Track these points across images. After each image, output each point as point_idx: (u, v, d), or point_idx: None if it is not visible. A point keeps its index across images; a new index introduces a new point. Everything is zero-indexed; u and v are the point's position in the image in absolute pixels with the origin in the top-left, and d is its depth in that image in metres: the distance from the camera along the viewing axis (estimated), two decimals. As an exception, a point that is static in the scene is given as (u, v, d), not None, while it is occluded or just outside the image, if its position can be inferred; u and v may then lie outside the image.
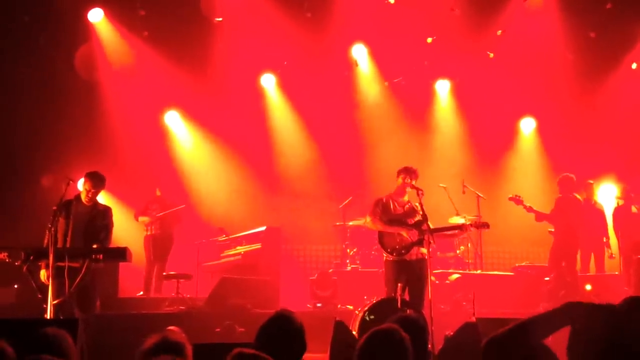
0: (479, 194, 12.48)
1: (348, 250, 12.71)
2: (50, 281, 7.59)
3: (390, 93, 15.21)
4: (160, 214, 13.02)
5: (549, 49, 14.38)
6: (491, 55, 14.37)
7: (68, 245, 8.41)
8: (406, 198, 9.36)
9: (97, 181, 8.78)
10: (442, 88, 15.34)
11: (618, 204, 12.69)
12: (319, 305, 11.51)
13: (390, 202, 9.34)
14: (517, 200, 11.87)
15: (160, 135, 14.83)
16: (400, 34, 14.19)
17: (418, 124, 15.27)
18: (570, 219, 11.97)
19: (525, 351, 3.37)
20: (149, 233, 13.08)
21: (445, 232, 9.57)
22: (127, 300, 11.98)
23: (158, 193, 13.40)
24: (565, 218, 11.93)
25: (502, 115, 14.98)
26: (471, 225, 9.71)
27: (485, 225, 9.44)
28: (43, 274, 8.01)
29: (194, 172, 14.93)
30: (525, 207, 11.88)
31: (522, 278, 12.40)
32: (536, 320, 3.35)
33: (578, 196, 12.28)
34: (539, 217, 12.09)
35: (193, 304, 11.44)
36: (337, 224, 13.01)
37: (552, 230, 12.28)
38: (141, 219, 13.12)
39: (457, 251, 12.38)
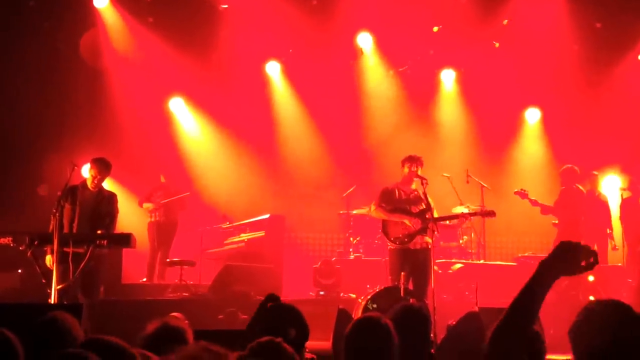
0: (483, 184, 12.47)
1: (351, 239, 12.70)
2: (55, 266, 7.62)
3: (396, 82, 15.17)
4: (165, 200, 13.02)
5: (554, 39, 14.31)
6: (497, 44, 14.33)
7: (74, 231, 8.44)
8: (413, 186, 9.37)
9: (103, 167, 8.81)
10: (448, 77, 15.27)
11: (622, 195, 12.67)
12: (322, 293, 11.52)
13: (396, 190, 9.35)
14: (523, 194, 11.88)
15: (165, 122, 14.82)
16: (406, 23, 14.13)
17: (423, 113, 15.23)
18: (574, 211, 11.98)
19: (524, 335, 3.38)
20: (153, 219, 13.09)
21: (449, 221, 9.56)
22: (130, 286, 12.01)
23: (162, 180, 13.40)
24: (568, 210, 11.94)
25: (507, 105, 14.94)
26: (477, 213, 9.70)
27: (492, 214, 9.43)
28: (48, 259, 8.04)
29: (198, 159, 14.92)
30: (530, 200, 11.90)
31: (525, 268, 12.35)
32: (523, 300, 3.28)
33: (581, 187, 12.28)
34: (545, 210, 12.10)
35: (196, 291, 11.48)
36: (341, 212, 13.00)
37: (556, 222, 12.28)
38: (145, 205, 13.12)
39: (460, 241, 12.37)
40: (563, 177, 12.29)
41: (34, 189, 12.77)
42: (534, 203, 11.95)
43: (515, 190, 12.01)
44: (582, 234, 12.16)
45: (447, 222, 9.64)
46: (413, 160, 9.28)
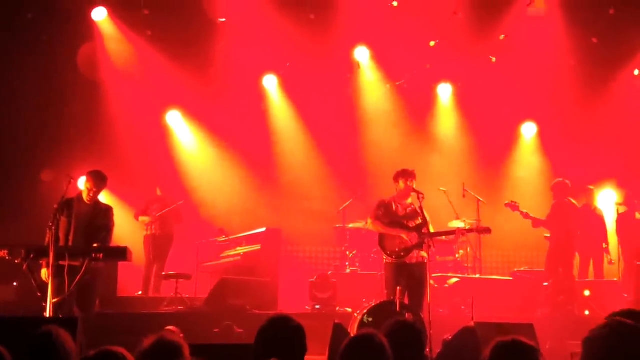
0: (479, 198, 12.47)
1: (347, 253, 12.70)
2: (50, 280, 7.60)
3: (392, 95, 15.21)
4: (160, 213, 13.00)
5: (551, 54, 14.38)
6: (493, 59, 14.38)
7: (70, 244, 8.42)
8: (409, 201, 9.35)
9: (98, 180, 8.79)
10: (444, 91, 15.31)
11: (618, 210, 12.68)
12: (317, 307, 11.49)
13: (393, 203, 9.33)
14: (514, 206, 11.90)
15: (162, 135, 14.84)
16: (403, 37, 14.19)
17: (419, 127, 15.27)
18: (567, 224, 11.98)
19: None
20: (149, 232, 13.06)
21: (446, 237, 9.54)
22: (126, 300, 12.00)
23: (159, 193, 13.40)
24: (561, 223, 11.94)
25: (504, 119, 14.97)
26: (473, 230, 9.70)
27: (487, 230, 9.39)
28: (44, 272, 8.01)
29: (194, 172, 14.94)
30: (521, 213, 11.91)
31: (521, 283, 12.39)
32: None
33: (574, 201, 12.27)
34: (536, 223, 12.11)
35: (192, 304, 11.46)
36: (337, 226, 13.01)
37: (548, 235, 12.28)
38: (141, 218, 13.10)
39: (457, 255, 12.38)
40: (555, 191, 12.29)
41: (31, 201, 12.74)
42: (525, 216, 11.97)
43: (506, 202, 12.03)
44: (575, 248, 12.17)
45: (443, 237, 9.62)
46: (407, 175, 9.26)
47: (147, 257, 13.01)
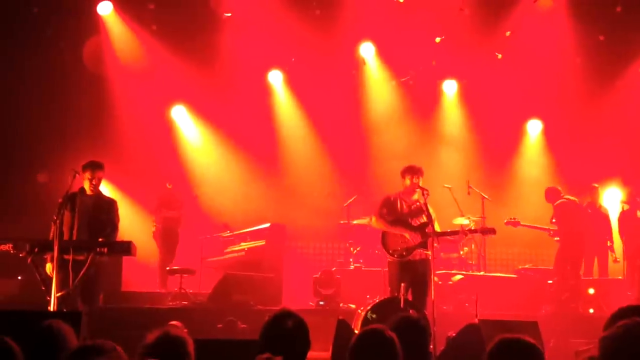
0: (484, 195, 12.44)
1: (352, 249, 12.69)
2: (55, 273, 7.60)
3: (398, 92, 15.19)
4: (182, 209, 13.07)
5: (557, 51, 14.35)
6: (499, 56, 14.34)
7: (74, 238, 8.40)
8: (415, 197, 9.24)
9: (95, 168, 8.68)
10: (450, 88, 15.31)
11: (623, 208, 12.66)
12: (321, 303, 11.50)
13: (398, 200, 9.25)
14: (514, 223, 11.94)
15: (167, 130, 14.84)
16: (408, 33, 14.17)
17: (425, 124, 15.25)
18: (574, 223, 11.95)
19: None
20: (159, 226, 13.04)
21: (449, 237, 9.47)
22: (129, 294, 12.01)
23: (169, 186, 13.38)
24: (569, 223, 11.91)
25: (509, 116, 14.95)
26: (477, 230, 9.65)
27: (492, 231, 9.32)
28: (49, 266, 7.99)
29: (199, 167, 14.94)
30: (524, 226, 11.97)
31: (525, 280, 12.38)
32: None
33: (572, 198, 12.22)
34: (553, 234, 12.11)
35: (196, 299, 11.46)
36: (342, 222, 12.98)
37: (557, 238, 12.24)
38: (167, 212, 13.04)
39: (461, 252, 12.35)
40: (549, 199, 12.27)
41: (35, 196, 12.75)
42: (529, 227, 12.04)
43: (505, 220, 12.02)
44: (585, 246, 12.12)
45: (448, 237, 9.54)
46: (414, 172, 9.17)
47: (161, 251, 13.04)
